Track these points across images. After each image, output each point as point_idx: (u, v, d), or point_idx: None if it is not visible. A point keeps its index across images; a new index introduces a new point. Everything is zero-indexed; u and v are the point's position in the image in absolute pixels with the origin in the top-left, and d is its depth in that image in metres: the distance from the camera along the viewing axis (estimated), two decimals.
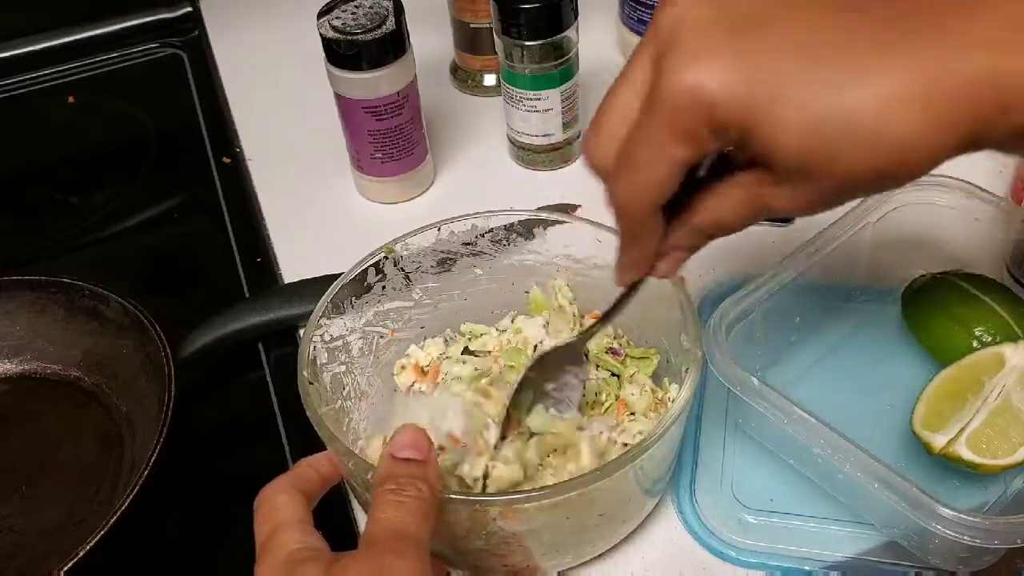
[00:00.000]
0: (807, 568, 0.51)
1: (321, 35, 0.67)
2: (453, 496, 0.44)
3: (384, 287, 0.57)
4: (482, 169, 0.78)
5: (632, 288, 0.45)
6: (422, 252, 0.57)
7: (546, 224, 0.57)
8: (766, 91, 0.33)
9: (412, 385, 0.57)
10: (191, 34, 0.98)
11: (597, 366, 0.56)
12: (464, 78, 0.86)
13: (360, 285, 0.56)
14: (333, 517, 0.53)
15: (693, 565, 0.52)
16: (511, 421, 0.50)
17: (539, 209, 0.60)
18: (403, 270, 0.57)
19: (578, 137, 0.76)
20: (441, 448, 0.49)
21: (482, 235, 0.58)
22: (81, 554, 0.49)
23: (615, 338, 0.58)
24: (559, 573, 0.52)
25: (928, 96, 0.32)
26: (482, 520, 0.45)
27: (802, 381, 0.59)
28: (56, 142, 0.89)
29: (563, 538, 0.48)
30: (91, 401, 0.63)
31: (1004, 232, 0.61)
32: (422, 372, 0.57)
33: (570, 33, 0.70)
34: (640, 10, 0.81)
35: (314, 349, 0.52)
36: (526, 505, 0.44)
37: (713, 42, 0.33)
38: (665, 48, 0.34)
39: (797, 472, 0.53)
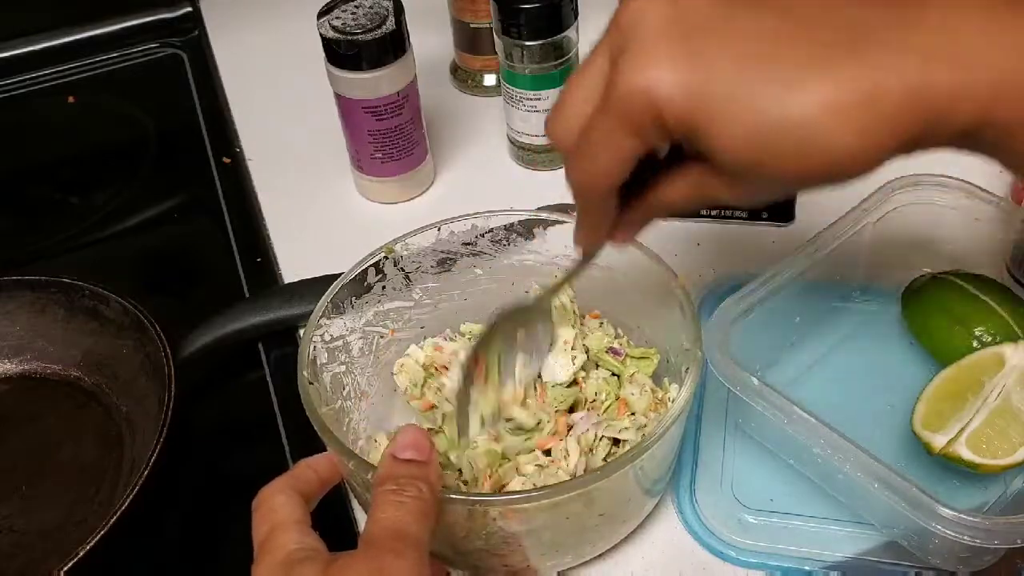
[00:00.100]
0: (807, 568, 0.51)
1: (321, 35, 0.67)
2: (453, 496, 0.44)
3: (384, 287, 0.57)
4: (482, 169, 0.78)
5: (590, 252, 0.46)
6: (422, 252, 0.57)
7: (546, 224, 0.57)
8: (710, 97, 0.34)
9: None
10: (191, 34, 0.98)
11: (597, 365, 0.56)
12: (464, 78, 0.86)
13: (360, 285, 0.56)
14: (333, 517, 0.54)
15: (693, 565, 0.52)
16: (479, 366, 0.49)
17: (539, 209, 0.60)
18: (403, 270, 0.57)
19: None
20: None
21: (482, 235, 0.58)
22: (81, 554, 0.49)
23: (615, 338, 0.58)
24: (559, 573, 0.52)
25: (863, 104, 0.33)
26: (482, 520, 0.45)
27: (802, 381, 0.59)
28: (56, 142, 0.89)
29: (563, 538, 0.48)
30: (91, 401, 0.63)
31: (1004, 232, 0.61)
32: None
33: (570, 33, 0.70)
34: None
35: (314, 349, 0.52)
36: (526, 505, 0.44)
37: (666, 45, 0.35)
38: (623, 44, 0.36)
39: (797, 472, 0.53)
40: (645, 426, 0.52)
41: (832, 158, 0.34)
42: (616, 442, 0.52)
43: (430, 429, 0.54)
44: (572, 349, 0.55)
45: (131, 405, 0.61)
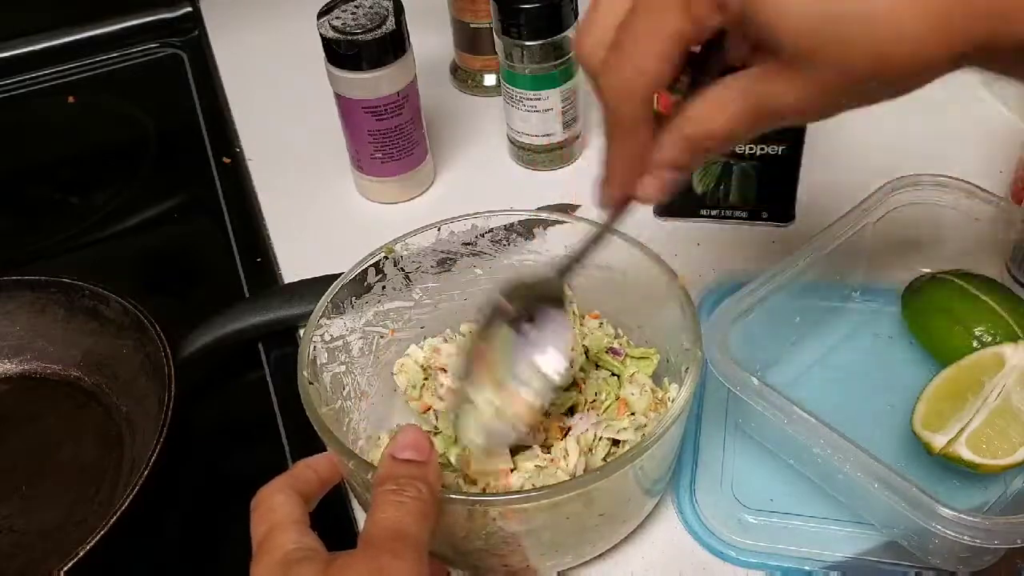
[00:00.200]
0: (807, 568, 0.51)
1: (321, 35, 0.67)
2: (453, 496, 0.44)
3: (384, 287, 0.57)
4: (482, 169, 0.78)
5: (612, 218, 0.41)
6: (422, 252, 0.57)
7: (546, 224, 0.57)
8: None
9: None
10: (191, 34, 0.98)
11: (597, 365, 0.56)
12: (464, 78, 0.86)
13: (360, 285, 0.56)
14: (333, 517, 0.54)
15: (693, 565, 0.52)
16: (483, 354, 0.45)
17: (539, 209, 0.60)
18: (403, 270, 0.57)
19: (578, 137, 0.76)
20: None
21: (482, 235, 0.58)
22: (81, 554, 0.49)
23: (615, 338, 0.58)
24: (559, 573, 0.52)
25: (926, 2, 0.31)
26: (482, 520, 0.45)
27: (802, 381, 0.59)
28: (56, 142, 0.89)
29: (563, 538, 0.48)
30: (91, 401, 0.63)
31: (1004, 232, 0.61)
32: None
33: (570, 33, 0.70)
34: None
35: (314, 349, 0.52)
36: (526, 505, 0.44)
37: None
38: None
39: (797, 472, 0.53)
40: (645, 426, 0.52)
41: (904, 46, 0.31)
42: (616, 442, 0.52)
43: (429, 432, 0.54)
44: (571, 350, 0.55)
45: (131, 405, 0.61)
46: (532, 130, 0.74)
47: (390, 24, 0.67)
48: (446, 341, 0.59)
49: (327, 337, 0.54)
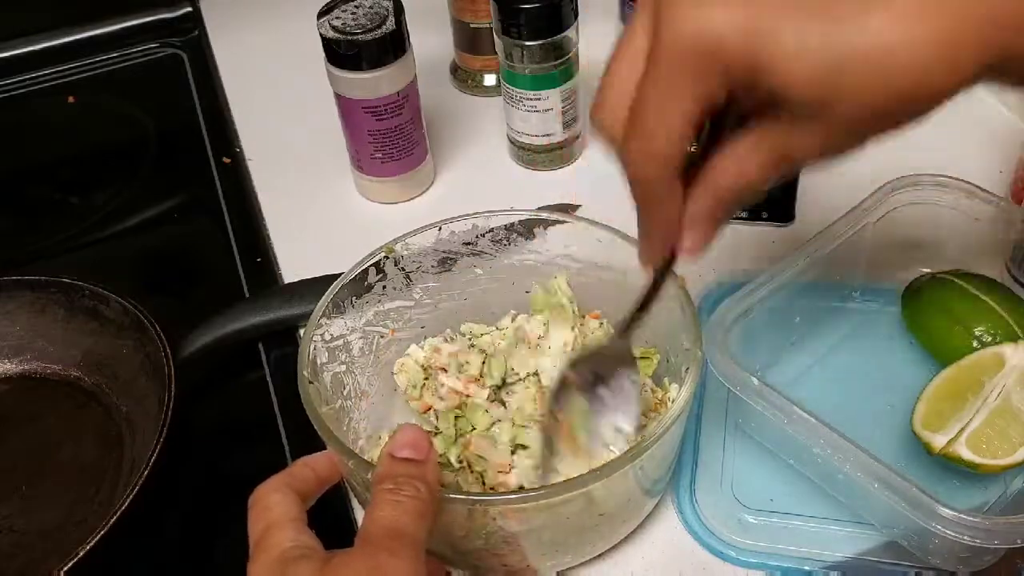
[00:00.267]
0: (807, 568, 0.51)
1: (321, 35, 0.67)
2: (453, 496, 0.44)
3: (385, 287, 0.57)
4: (482, 169, 0.78)
5: (662, 274, 0.42)
6: (423, 252, 0.57)
7: (547, 224, 0.57)
8: (770, 25, 0.32)
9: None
10: (191, 34, 0.98)
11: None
12: (464, 78, 0.86)
13: (361, 285, 0.56)
14: (332, 516, 0.54)
15: (693, 565, 0.52)
16: (562, 427, 0.47)
17: (540, 209, 0.60)
18: (403, 270, 0.57)
19: (578, 137, 0.76)
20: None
21: (483, 235, 0.58)
22: (81, 554, 0.49)
23: None
24: (558, 573, 0.52)
25: (942, 18, 0.31)
26: (482, 520, 0.45)
27: (802, 381, 0.59)
28: (56, 142, 0.89)
29: (563, 538, 0.48)
30: (91, 401, 0.63)
31: (1004, 232, 0.61)
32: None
33: (570, 33, 0.70)
34: None
35: (314, 348, 0.52)
36: (526, 505, 0.44)
37: None
38: (660, 3, 0.33)
39: (797, 472, 0.53)
40: (645, 426, 0.52)
41: (910, 82, 0.31)
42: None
43: (429, 431, 0.54)
44: (572, 351, 0.55)
45: (131, 405, 0.61)
46: (532, 130, 0.74)
47: (390, 24, 0.67)
48: (447, 341, 0.59)
49: (327, 336, 0.54)
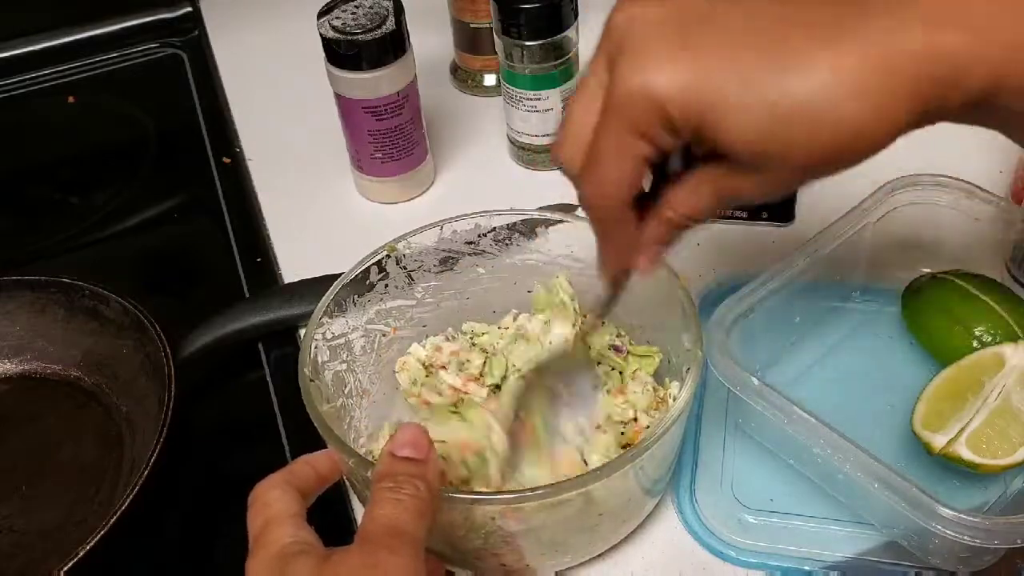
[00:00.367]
0: (807, 568, 0.51)
1: (321, 35, 0.67)
2: (453, 495, 0.44)
3: (386, 285, 0.57)
4: (482, 169, 0.78)
5: (618, 283, 0.45)
6: (424, 251, 0.57)
7: (548, 224, 0.57)
8: (714, 87, 0.33)
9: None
10: (191, 34, 0.98)
11: (599, 363, 0.56)
12: (464, 78, 0.86)
13: (362, 283, 0.56)
14: (332, 515, 0.54)
15: (693, 565, 0.52)
16: (524, 427, 0.50)
17: (541, 209, 0.60)
18: (405, 268, 0.57)
19: None
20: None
21: (484, 234, 0.58)
22: (81, 554, 0.49)
23: (618, 336, 0.58)
24: (558, 573, 0.52)
25: (873, 76, 0.32)
26: (481, 519, 0.45)
27: (802, 381, 0.59)
28: (56, 142, 0.89)
29: (563, 538, 0.48)
30: (91, 401, 0.63)
31: (1004, 232, 0.61)
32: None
33: (570, 33, 0.70)
34: None
35: (316, 347, 0.52)
36: (525, 505, 0.44)
37: (662, 42, 0.34)
38: (617, 50, 0.36)
39: (797, 472, 0.53)
40: (647, 427, 0.52)
41: (846, 135, 0.33)
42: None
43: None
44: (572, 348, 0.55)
45: (131, 405, 0.61)
46: (532, 130, 0.74)
47: (390, 24, 0.67)
48: (448, 339, 0.59)
49: (329, 335, 0.54)
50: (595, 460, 0.51)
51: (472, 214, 0.57)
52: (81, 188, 0.83)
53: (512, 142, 0.77)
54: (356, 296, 0.56)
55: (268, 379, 0.64)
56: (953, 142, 0.73)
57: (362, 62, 0.67)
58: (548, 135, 0.74)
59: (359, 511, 0.55)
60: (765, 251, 0.68)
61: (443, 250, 0.58)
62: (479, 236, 0.58)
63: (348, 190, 0.77)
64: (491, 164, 0.79)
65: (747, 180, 0.36)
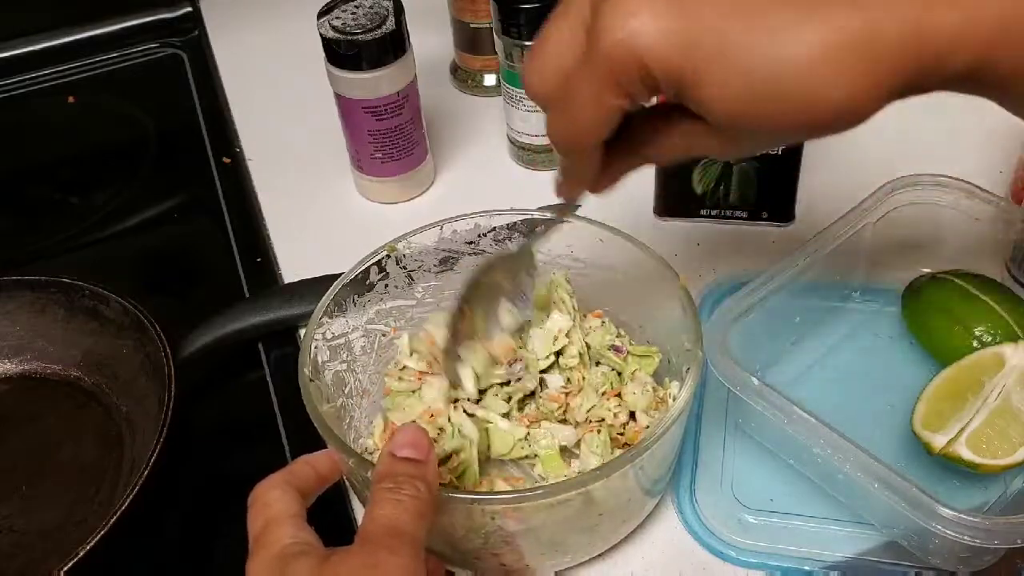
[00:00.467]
0: (807, 568, 0.51)
1: (321, 35, 0.67)
2: (453, 495, 0.44)
3: (386, 285, 0.57)
4: (482, 169, 0.78)
5: (571, 206, 0.46)
6: (424, 251, 0.57)
7: (548, 223, 0.57)
8: (697, 48, 0.33)
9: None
10: (191, 34, 0.98)
11: (598, 363, 0.56)
12: (464, 78, 0.86)
13: (362, 283, 0.56)
14: (332, 515, 0.54)
15: (693, 565, 0.52)
16: (465, 316, 0.51)
17: (541, 209, 0.60)
18: (405, 268, 0.57)
19: None
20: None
21: (484, 234, 0.58)
22: (81, 554, 0.49)
23: (618, 336, 0.58)
24: (557, 573, 0.52)
25: (858, 50, 0.32)
26: (481, 519, 0.45)
27: (802, 381, 0.59)
28: (56, 142, 0.89)
29: (563, 538, 0.48)
30: (91, 401, 0.63)
31: (1004, 232, 0.61)
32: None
33: None
34: None
35: (316, 347, 0.52)
36: (525, 505, 0.44)
37: None
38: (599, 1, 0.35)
39: (797, 472, 0.53)
40: (647, 427, 0.52)
41: (827, 107, 0.33)
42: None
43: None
44: (567, 338, 0.55)
45: (131, 405, 0.61)
46: (532, 130, 0.74)
47: (390, 24, 0.67)
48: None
49: (329, 335, 0.54)
50: (592, 461, 0.51)
51: (472, 214, 0.57)
52: (81, 188, 0.83)
53: (512, 142, 0.77)
54: (356, 296, 0.56)
55: (268, 379, 0.64)
56: (953, 142, 0.73)
57: (362, 62, 0.67)
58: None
59: (359, 511, 0.55)
60: (765, 251, 0.68)
61: (443, 250, 0.58)
62: (479, 236, 0.58)
63: (348, 190, 0.77)
64: (491, 164, 0.79)
65: (718, 139, 0.37)
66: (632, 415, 0.54)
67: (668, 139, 0.39)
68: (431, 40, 0.84)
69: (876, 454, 0.46)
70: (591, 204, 0.47)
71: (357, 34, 0.66)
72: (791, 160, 0.65)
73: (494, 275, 0.50)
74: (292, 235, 0.74)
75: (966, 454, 0.50)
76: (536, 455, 0.53)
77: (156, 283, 0.75)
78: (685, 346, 0.50)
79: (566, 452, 0.53)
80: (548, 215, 0.58)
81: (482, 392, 0.55)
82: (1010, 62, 0.32)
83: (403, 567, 0.38)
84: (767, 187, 0.67)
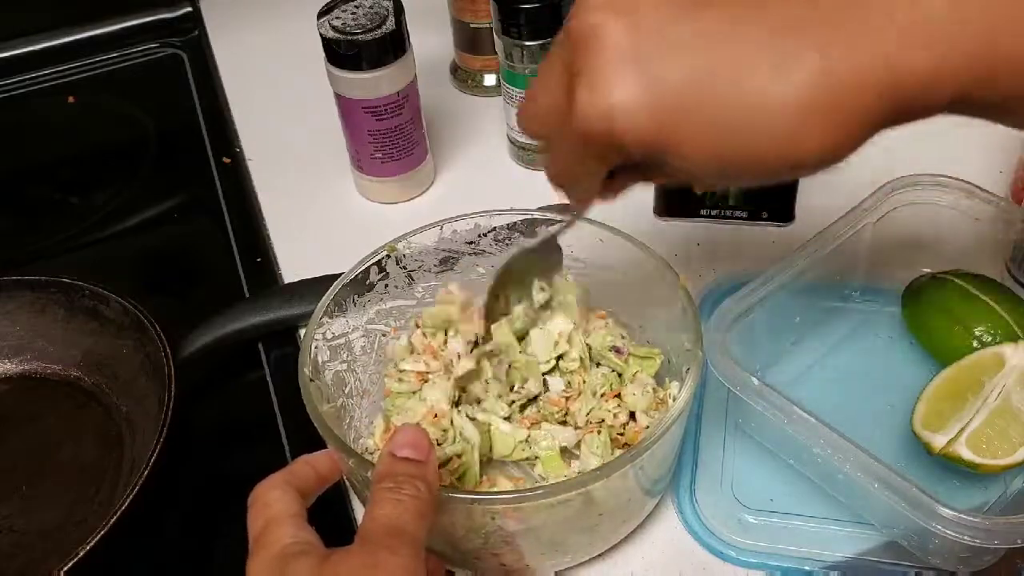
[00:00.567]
0: (807, 568, 0.51)
1: (321, 35, 0.67)
2: (453, 495, 0.44)
3: (387, 285, 0.57)
4: (482, 169, 0.78)
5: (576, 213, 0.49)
6: (425, 251, 0.57)
7: (549, 224, 0.57)
8: (671, 119, 0.34)
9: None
10: (191, 34, 0.98)
11: (598, 363, 0.56)
12: (464, 78, 0.86)
13: (362, 283, 0.56)
14: (332, 515, 0.54)
15: (693, 565, 0.52)
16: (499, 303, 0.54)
17: (542, 209, 0.60)
18: (405, 268, 0.57)
19: None
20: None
21: (484, 234, 0.58)
22: (81, 554, 0.49)
23: (621, 337, 0.58)
24: (557, 573, 0.52)
25: (831, 104, 0.32)
26: (481, 519, 0.45)
27: (802, 381, 0.59)
28: (56, 142, 0.89)
29: (563, 538, 0.48)
30: (91, 401, 0.63)
31: (1004, 232, 0.61)
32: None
33: None
34: None
35: (316, 347, 0.52)
36: (525, 504, 0.44)
37: (619, 69, 0.34)
38: (577, 63, 0.35)
39: (797, 472, 0.53)
40: (647, 427, 0.52)
41: (804, 156, 0.34)
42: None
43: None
44: (568, 343, 0.55)
45: (131, 405, 0.61)
46: None
47: (390, 24, 0.67)
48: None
49: (329, 335, 0.54)
50: (592, 461, 0.51)
51: (472, 214, 0.57)
52: (81, 188, 0.83)
53: (512, 142, 0.77)
54: (356, 296, 0.56)
55: (268, 379, 0.64)
56: (953, 142, 0.73)
57: (362, 62, 0.67)
58: None
59: (359, 511, 0.55)
60: (765, 251, 0.68)
61: (443, 250, 0.58)
62: (479, 236, 0.58)
63: (348, 190, 0.77)
64: (491, 164, 0.79)
65: (699, 184, 0.41)
66: (632, 415, 0.54)
67: (657, 177, 0.43)
68: (431, 40, 0.84)
69: (876, 454, 0.46)
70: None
71: (357, 34, 0.66)
72: None
73: (521, 267, 0.52)
74: (292, 235, 0.74)
75: (966, 454, 0.50)
76: (537, 456, 0.53)
77: (156, 283, 0.75)
78: (685, 346, 0.50)
79: (566, 453, 0.53)
80: (548, 215, 0.58)
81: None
82: (993, 94, 0.33)
83: (403, 567, 0.38)
84: (767, 187, 0.67)
